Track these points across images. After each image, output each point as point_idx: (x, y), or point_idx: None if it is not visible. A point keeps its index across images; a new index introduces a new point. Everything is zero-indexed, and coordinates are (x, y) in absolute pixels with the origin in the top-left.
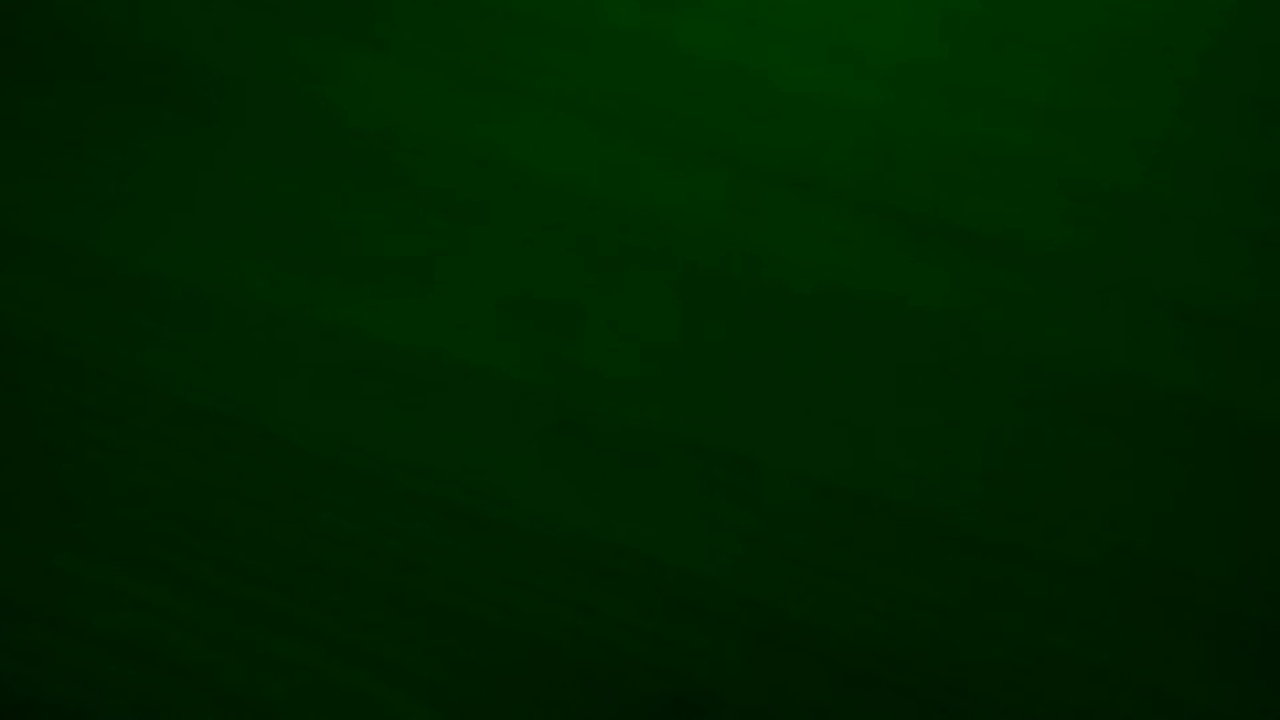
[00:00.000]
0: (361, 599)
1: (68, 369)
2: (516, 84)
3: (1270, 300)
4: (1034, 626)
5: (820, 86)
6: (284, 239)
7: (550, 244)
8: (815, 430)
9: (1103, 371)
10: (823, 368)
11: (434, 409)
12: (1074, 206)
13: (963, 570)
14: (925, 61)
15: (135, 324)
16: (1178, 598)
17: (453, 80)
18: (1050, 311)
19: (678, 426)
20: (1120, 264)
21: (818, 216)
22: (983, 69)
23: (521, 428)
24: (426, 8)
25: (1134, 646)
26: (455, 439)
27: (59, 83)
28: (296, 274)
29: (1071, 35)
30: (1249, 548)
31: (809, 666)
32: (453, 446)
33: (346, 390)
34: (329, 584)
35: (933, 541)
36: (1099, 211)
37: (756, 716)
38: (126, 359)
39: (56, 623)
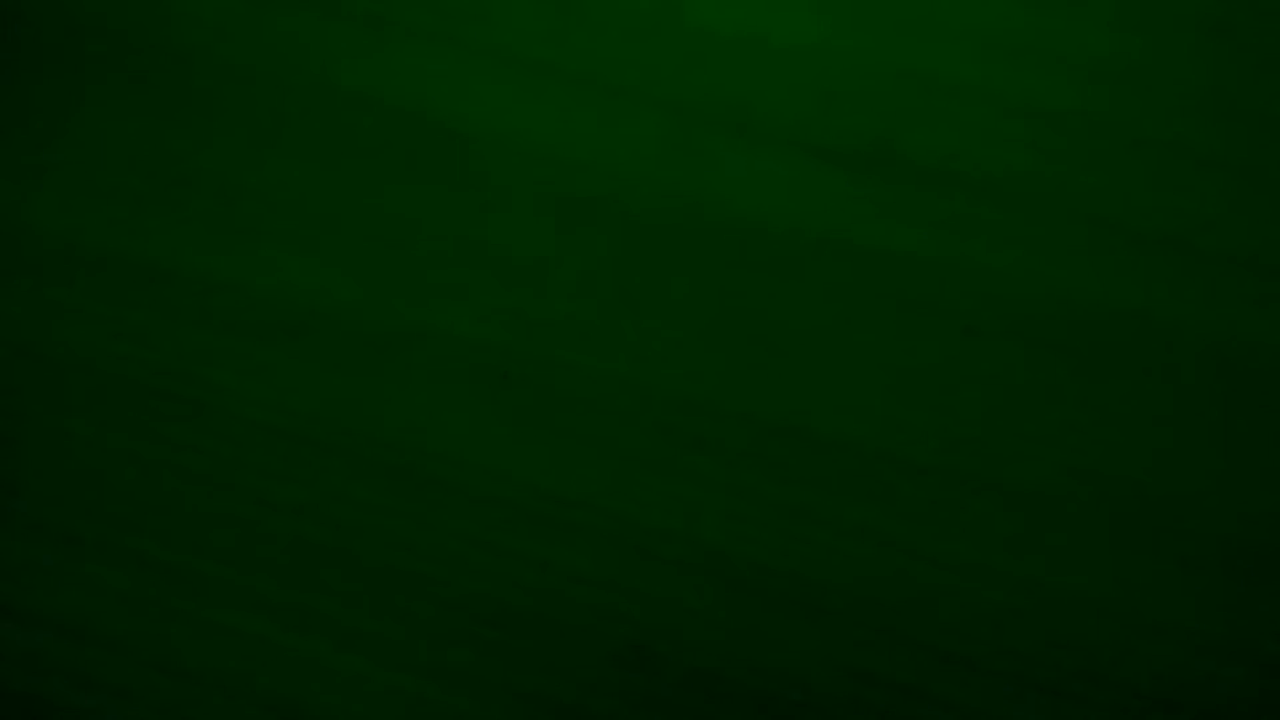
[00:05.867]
0: (310, 564)
1: None
2: (440, 31)
3: (1217, 219)
4: (996, 555)
5: (755, 27)
6: (214, 203)
7: (493, 196)
8: (765, 370)
9: (1052, 295)
10: (771, 308)
11: (378, 368)
12: (1017, 132)
13: (921, 504)
14: None
15: (62, 297)
16: (1138, 519)
17: (375, 31)
18: (998, 237)
19: (626, 374)
20: (1066, 187)
21: (761, 157)
22: None
23: (468, 382)
24: None
25: (1097, 570)
26: (402, 397)
27: None
28: (229, 238)
29: None
30: (1206, 466)
31: (769, 608)
32: (400, 404)
33: (286, 354)
34: (275, 551)
35: (890, 476)
36: (1043, 136)
37: (719, 660)
38: (56, 334)
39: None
